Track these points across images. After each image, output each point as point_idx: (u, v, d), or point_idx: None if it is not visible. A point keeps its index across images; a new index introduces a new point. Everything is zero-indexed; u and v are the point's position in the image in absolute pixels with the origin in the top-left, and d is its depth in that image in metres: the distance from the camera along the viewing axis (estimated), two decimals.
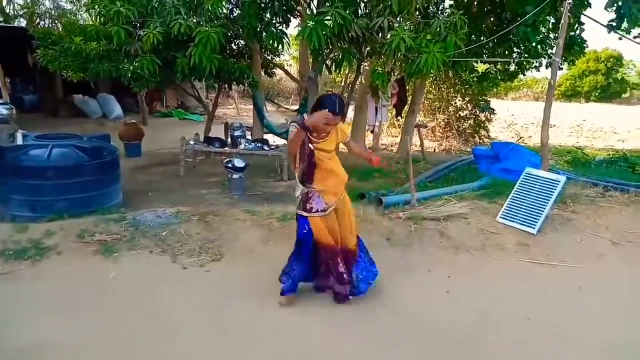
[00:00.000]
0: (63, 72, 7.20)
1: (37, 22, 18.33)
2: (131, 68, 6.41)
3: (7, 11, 19.31)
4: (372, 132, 9.59)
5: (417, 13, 6.66)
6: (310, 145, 3.10)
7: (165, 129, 12.59)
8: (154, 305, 3.14)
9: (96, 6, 6.55)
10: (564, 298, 3.57)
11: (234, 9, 8.10)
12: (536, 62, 8.50)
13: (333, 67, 7.59)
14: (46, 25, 18.06)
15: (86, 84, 13.61)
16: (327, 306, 3.24)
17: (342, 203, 3.26)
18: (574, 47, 8.20)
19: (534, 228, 4.49)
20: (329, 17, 5.75)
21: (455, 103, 12.34)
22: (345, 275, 3.19)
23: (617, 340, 2.99)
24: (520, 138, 12.59)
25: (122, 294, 3.26)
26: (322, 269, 3.24)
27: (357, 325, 3.03)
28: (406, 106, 9.46)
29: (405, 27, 6.29)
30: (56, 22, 18.19)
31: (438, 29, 5.69)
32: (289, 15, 7.74)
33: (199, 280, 3.50)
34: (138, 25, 6.54)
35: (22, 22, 18.42)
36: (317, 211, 3.14)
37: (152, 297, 3.23)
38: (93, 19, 6.90)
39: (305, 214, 3.15)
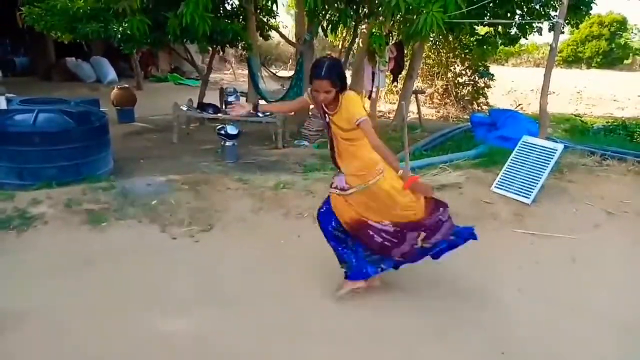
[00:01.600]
0: (51, 32, 6.97)
1: None
2: (120, 29, 6.18)
3: None
4: (369, 98, 9.41)
5: None
6: (326, 116, 2.77)
7: (160, 94, 12.36)
8: (140, 276, 3.10)
9: None
10: (556, 269, 3.55)
11: None
12: (538, 24, 8.25)
13: (329, 29, 7.38)
14: None
15: (79, 47, 13.28)
16: (320, 276, 3.21)
17: (374, 188, 2.73)
18: (581, 7, 7.88)
19: (529, 198, 4.44)
20: None
21: (454, 69, 12.09)
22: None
23: (609, 311, 2.99)
24: (519, 105, 12.41)
25: (109, 265, 3.22)
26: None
27: (347, 299, 3.01)
28: (404, 71, 9.25)
29: None
30: None
31: None
32: None
33: (188, 251, 3.46)
34: None
35: None
36: (335, 187, 2.84)
37: (139, 268, 3.20)
38: None
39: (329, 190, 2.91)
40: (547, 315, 2.95)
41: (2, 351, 2.38)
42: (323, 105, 2.72)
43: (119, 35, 6.11)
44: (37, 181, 4.36)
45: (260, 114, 6.90)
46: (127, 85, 8.91)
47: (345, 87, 2.67)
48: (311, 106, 2.85)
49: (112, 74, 13.98)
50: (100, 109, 5.39)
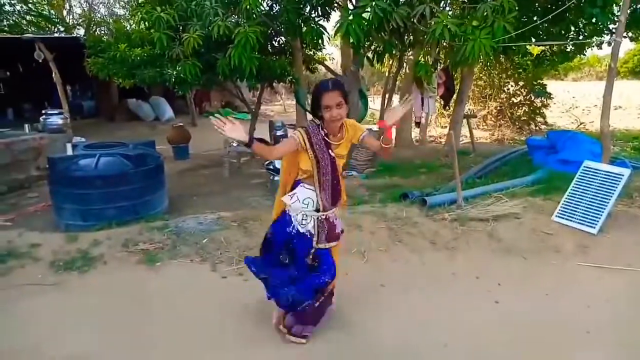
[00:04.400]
0: (113, 79, 7.47)
1: (94, 30, 19.15)
2: (174, 73, 6.52)
3: (68, 21, 20.41)
4: (417, 124, 9.28)
5: None
6: (330, 152, 2.59)
7: (213, 129, 12.69)
8: (192, 318, 3.13)
9: (139, 13, 6.73)
10: (629, 308, 3.23)
11: (274, 5, 8.06)
12: (597, 39, 7.85)
13: (374, 59, 7.39)
14: (102, 33, 18.86)
15: (140, 88, 14.21)
16: (368, 312, 3.11)
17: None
18: None
19: (594, 227, 4.12)
20: (368, 10, 5.55)
21: (508, 89, 11.69)
22: None
23: None
24: (581, 124, 11.76)
25: (163, 306, 3.28)
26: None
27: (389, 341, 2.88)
28: (454, 95, 9.07)
29: (450, 14, 5.98)
30: (111, 28, 18.93)
31: (485, 13, 5.34)
32: (327, 9, 7.59)
33: (237, 290, 3.46)
34: (180, 28, 6.64)
35: (81, 31, 19.36)
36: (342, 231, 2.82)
37: (190, 309, 3.23)
38: (136, 25, 7.09)
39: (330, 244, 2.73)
40: None
41: None
42: (325, 137, 2.55)
43: (173, 79, 6.43)
44: (99, 222, 4.60)
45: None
46: (181, 124, 9.34)
47: (349, 111, 2.59)
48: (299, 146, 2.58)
49: (169, 112, 14.75)
50: (156, 150, 5.65)
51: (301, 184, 2.68)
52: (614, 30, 7.13)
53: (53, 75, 9.55)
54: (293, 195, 2.66)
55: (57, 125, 7.11)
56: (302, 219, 2.67)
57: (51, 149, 6.48)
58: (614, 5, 6.44)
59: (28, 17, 16.91)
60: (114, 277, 3.66)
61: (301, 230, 2.67)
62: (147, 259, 3.87)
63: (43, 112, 7.43)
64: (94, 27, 19.54)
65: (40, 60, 9.35)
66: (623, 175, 4.29)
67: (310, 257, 2.67)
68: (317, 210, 2.65)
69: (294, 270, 2.72)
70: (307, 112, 8.80)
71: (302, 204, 2.64)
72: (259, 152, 2.58)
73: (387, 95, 9.42)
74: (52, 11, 18.95)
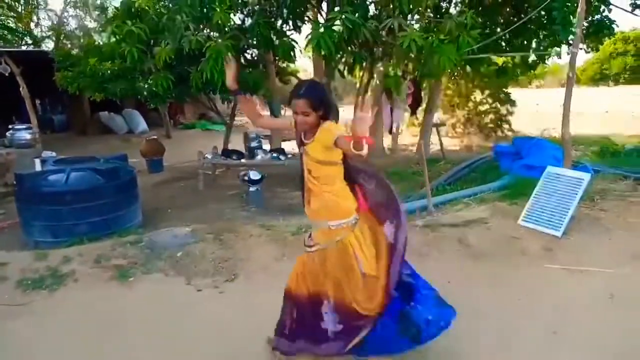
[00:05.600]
0: (83, 93, 7.39)
1: (64, 43, 18.72)
2: (146, 86, 6.50)
3: (36, 34, 19.95)
4: (390, 133, 9.46)
5: (428, 12, 6.54)
6: (302, 147, 2.43)
7: (188, 141, 12.77)
8: (167, 333, 3.12)
9: (109, 27, 6.69)
10: (593, 307, 3.37)
11: (246, 19, 8.13)
12: (555, 50, 8.21)
13: (345, 71, 7.54)
14: (72, 46, 18.47)
15: (112, 101, 14.02)
16: None
17: (337, 250, 2.39)
18: (603, 30, 7.74)
19: (558, 230, 4.29)
20: (337, 23, 5.69)
21: (475, 98, 12.06)
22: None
23: None
24: (544, 130, 12.20)
25: (136, 324, 3.24)
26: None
27: None
28: (422, 105, 9.30)
29: (416, 27, 6.18)
30: (81, 41, 18.55)
31: (450, 28, 5.55)
32: (298, 22, 7.71)
33: (213, 303, 3.47)
34: (151, 42, 6.64)
35: (50, 44, 18.94)
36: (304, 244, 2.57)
37: (166, 324, 3.22)
38: (106, 39, 7.05)
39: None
40: None
41: None
42: (301, 133, 2.43)
43: (145, 92, 6.41)
44: (70, 238, 4.53)
45: (282, 157, 7.02)
46: (155, 137, 9.27)
47: (328, 115, 2.35)
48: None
49: (143, 125, 14.58)
50: (129, 164, 5.60)
51: None
52: (571, 42, 7.49)
53: (20, 89, 9.35)
54: None
55: (25, 140, 6.95)
56: None
57: (19, 165, 6.34)
58: (573, 18, 6.78)
59: None
60: (86, 295, 3.60)
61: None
62: (120, 274, 3.83)
63: (10, 127, 7.25)
64: (64, 40, 19.14)
65: (7, 74, 9.14)
66: (584, 179, 4.49)
67: None
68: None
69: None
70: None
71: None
72: (245, 108, 2.63)
73: (359, 106, 9.61)
74: (19, 24, 18.50)
